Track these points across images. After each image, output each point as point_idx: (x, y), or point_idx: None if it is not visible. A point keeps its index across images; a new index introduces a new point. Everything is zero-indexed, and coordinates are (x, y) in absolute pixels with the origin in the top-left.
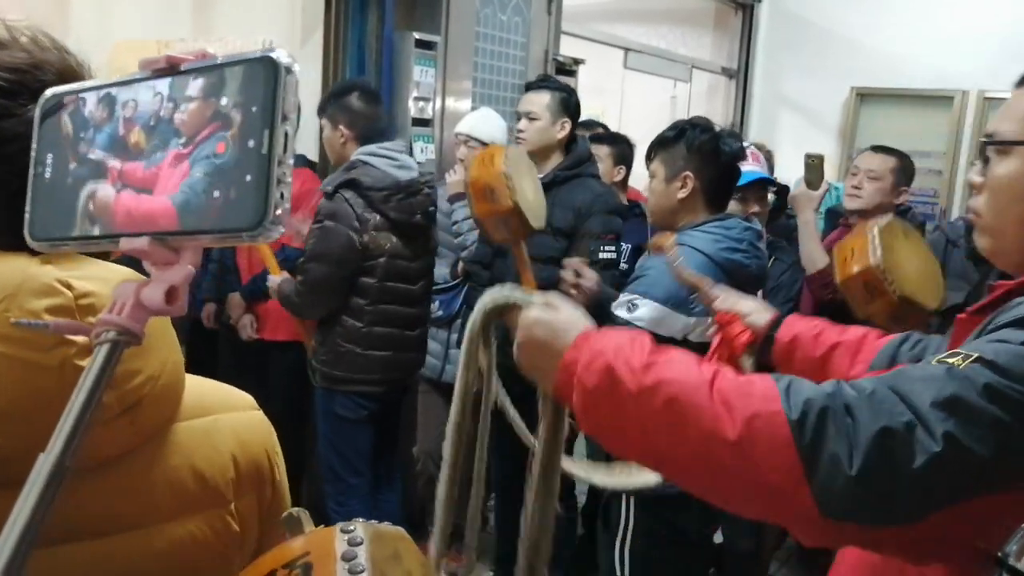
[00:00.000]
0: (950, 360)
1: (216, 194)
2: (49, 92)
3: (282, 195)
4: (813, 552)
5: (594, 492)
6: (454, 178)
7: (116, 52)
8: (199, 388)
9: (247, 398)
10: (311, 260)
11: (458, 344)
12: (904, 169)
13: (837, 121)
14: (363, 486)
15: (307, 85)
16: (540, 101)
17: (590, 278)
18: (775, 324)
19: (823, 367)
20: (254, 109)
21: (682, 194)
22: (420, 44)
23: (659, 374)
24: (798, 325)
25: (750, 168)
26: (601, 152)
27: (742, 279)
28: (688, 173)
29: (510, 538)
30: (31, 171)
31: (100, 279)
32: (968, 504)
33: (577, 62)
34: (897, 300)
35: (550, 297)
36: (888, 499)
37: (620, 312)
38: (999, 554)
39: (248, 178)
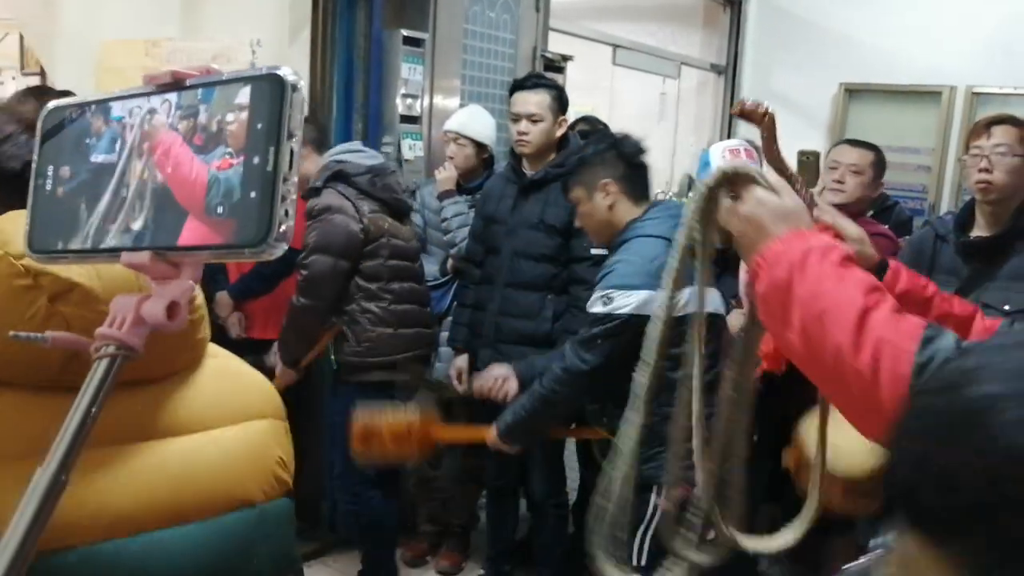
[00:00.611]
0: None
1: (220, 210)
2: (51, 105)
3: (286, 212)
4: (803, 549)
5: (584, 489)
6: (443, 175)
7: (105, 51)
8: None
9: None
10: (314, 252)
11: (448, 342)
12: (881, 162)
13: (826, 117)
14: (376, 477)
15: None
16: (540, 101)
17: (510, 379)
18: (882, 267)
19: None
20: (259, 126)
21: (608, 201)
22: (408, 41)
23: (826, 287)
24: (907, 277)
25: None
26: None
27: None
28: (605, 180)
29: (501, 536)
30: (31, 183)
31: None
32: None
33: (566, 59)
34: None
35: (781, 183)
36: None
37: (597, 308)
38: None
39: (252, 194)
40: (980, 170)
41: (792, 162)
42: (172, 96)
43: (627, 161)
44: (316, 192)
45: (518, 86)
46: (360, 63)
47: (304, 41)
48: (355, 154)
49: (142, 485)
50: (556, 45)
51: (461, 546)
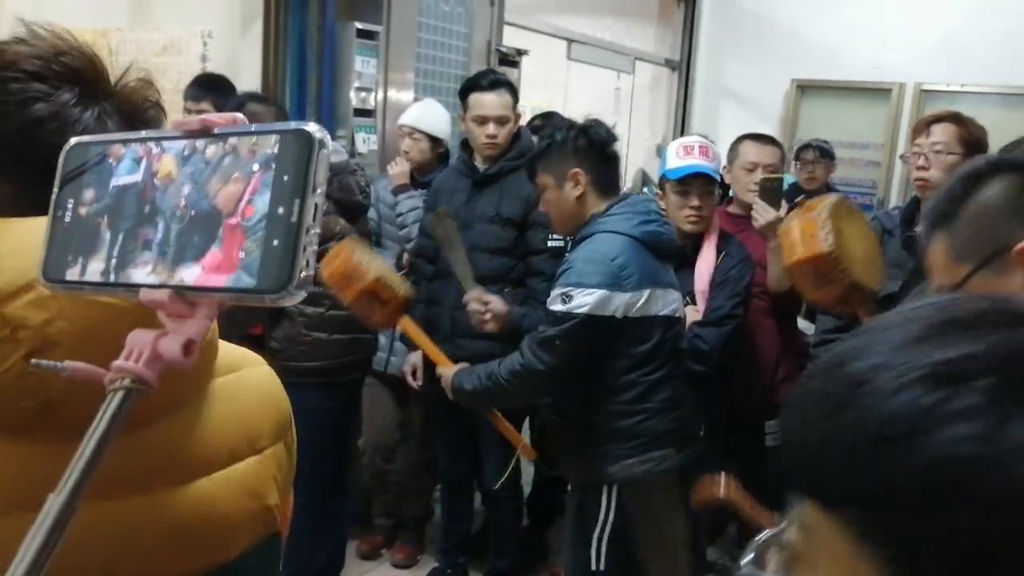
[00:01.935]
0: None
1: (241, 255)
2: (74, 140)
3: (307, 262)
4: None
5: (538, 483)
6: (397, 169)
7: None
8: (225, 347)
9: (256, 355)
10: None
11: (401, 339)
12: (783, 156)
13: (778, 112)
14: (316, 487)
15: (248, 77)
16: (505, 103)
17: (497, 304)
18: None
19: None
20: (285, 178)
21: (576, 192)
22: (362, 34)
23: None
24: None
25: (694, 161)
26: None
27: (662, 248)
28: (576, 170)
29: (455, 529)
30: (51, 213)
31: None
32: None
33: (520, 53)
34: (847, 285)
35: None
36: None
37: (556, 306)
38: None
39: (275, 243)
40: (918, 168)
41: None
42: (198, 142)
43: (598, 150)
44: None
45: (475, 87)
46: (313, 56)
47: (256, 33)
48: None
49: (138, 546)
50: (510, 39)
51: (416, 539)
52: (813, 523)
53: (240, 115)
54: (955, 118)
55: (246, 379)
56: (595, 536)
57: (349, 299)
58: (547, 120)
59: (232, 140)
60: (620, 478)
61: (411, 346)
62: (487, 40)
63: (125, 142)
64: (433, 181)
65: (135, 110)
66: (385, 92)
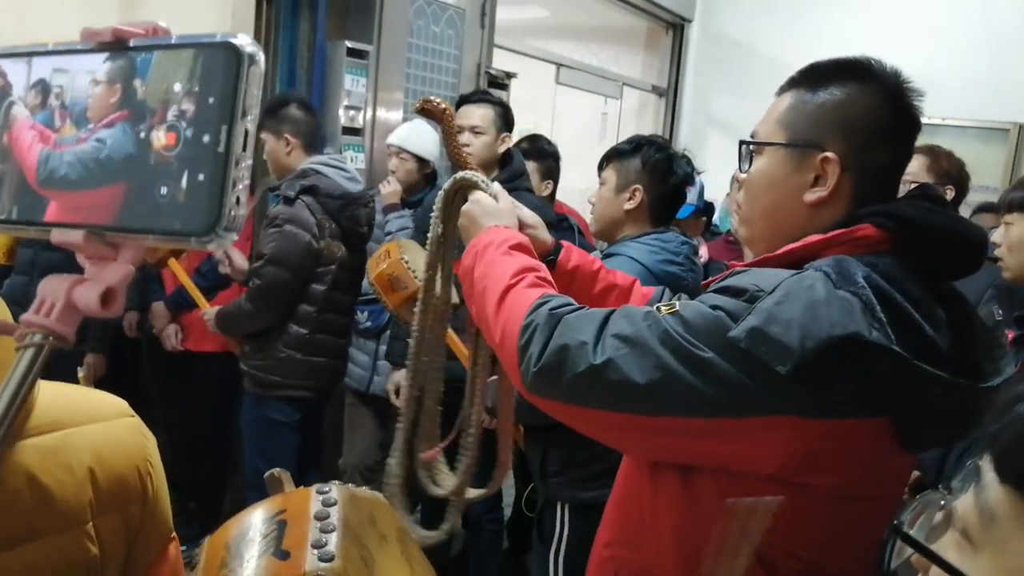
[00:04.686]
0: (662, 307)
1: (163, 190)
2: None
3: (238, 199)
4: None
5: (520, 506)
6: (388, 189)
7: None
8: (59, 398)
9: (118, 406)
10: (270, 264)
11: (386, 356)
12: None
13: None
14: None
15: None
16: (484, 115)
17: None
18: (557, 248)
19: (600, 303)
20: (211, 100)
21: (629, 206)
22: (352, 53)
23: (490, 270)
24: (577, 255)
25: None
26: (528, 167)
27: (679, 291)
28: (638, 187)
29: (435, 551)
30: None
31: None
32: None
33: (510, 76)
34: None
35: (498, 188)
36: (557, 387)
37: None
38: (895, 521)
39: (201, 177)
40: None
41: (726, 181)
42: (112, 57)
43: (669, 181)
44: (287, 200)
45: (464, 100)
46: (303, 73)
47: None
48: (335, 171)
49: None
50: (500, 62)
51: None
52: (999, 508)
53: (162, 24)
54: (929, 150)
55: (76, 439)
56: (552, 552)
57: (393, 304)
58: (532, 143)
59: (150, 55)
60: (569, 498)
61: (394, 366)
62: (477, 62)
63: (29, 55)
64: (418, 201)
65: None
66: (374, 111)
